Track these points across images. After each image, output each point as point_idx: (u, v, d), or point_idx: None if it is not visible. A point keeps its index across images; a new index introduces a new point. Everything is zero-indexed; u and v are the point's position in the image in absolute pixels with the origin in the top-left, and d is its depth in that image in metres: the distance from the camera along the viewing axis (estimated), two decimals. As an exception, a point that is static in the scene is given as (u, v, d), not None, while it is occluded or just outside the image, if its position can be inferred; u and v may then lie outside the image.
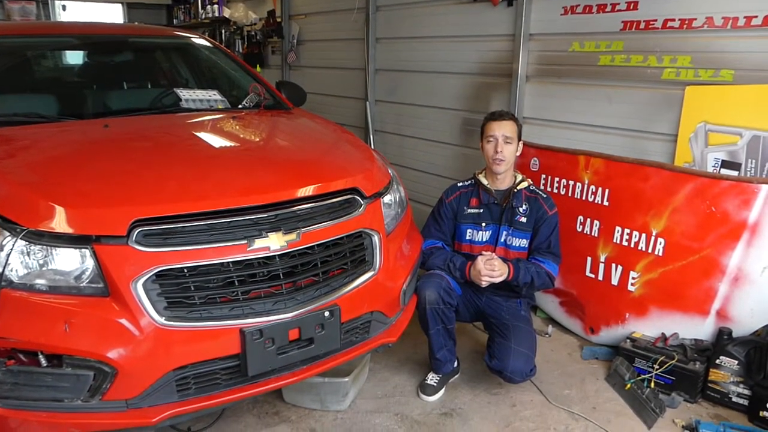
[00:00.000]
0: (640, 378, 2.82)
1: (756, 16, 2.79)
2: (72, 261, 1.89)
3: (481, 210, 2.91)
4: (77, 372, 1.85)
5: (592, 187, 3.25)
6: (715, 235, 2.77)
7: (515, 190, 2.87)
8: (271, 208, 2.13)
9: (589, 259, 3.27)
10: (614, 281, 3.15)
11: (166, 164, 2.37)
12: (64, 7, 8.84)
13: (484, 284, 2.73)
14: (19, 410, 1.87)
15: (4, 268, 1.84)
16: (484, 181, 2.92)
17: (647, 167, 3.02)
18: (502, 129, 2.81)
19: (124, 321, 1.86)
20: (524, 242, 2.87)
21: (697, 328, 2.87)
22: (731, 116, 2.90)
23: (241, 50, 7.79)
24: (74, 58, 3.84)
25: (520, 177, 2.93)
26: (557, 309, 3.51)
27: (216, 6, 8.30)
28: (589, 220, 3.27)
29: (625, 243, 3.10)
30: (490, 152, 2.83)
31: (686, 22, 3.05)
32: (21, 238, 1.86)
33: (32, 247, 1.87)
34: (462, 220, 2.93)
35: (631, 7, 3.28)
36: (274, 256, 2.07)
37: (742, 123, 2.87)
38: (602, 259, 3.21)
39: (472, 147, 4.32)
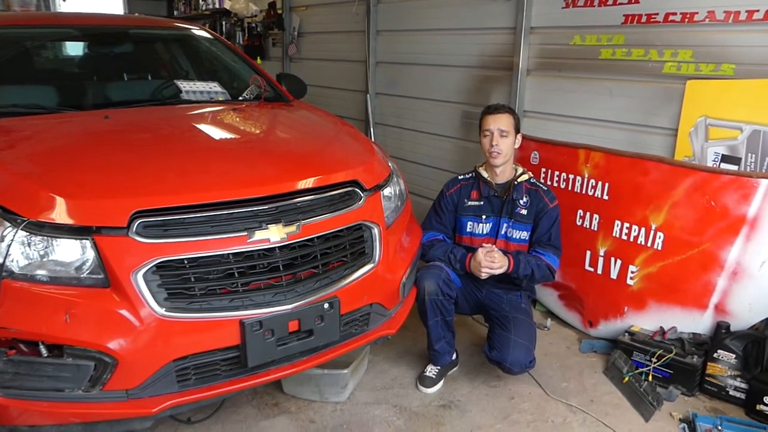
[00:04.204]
0: (638, 371, 2.83)
1: (758, 10, 2.79)
2: (73, 252, 1.89)
3: (482, 202, 2.91)
4: (78, 362, 1.86)
5: (592, 181, 3.25)
6: (714, 229, 2.78)
7: (516, 183, 2.88)
8: (272, 200, 2.14)
9: (588, 252, 3.28)
10: (613, 275, 3.16)
11: (167, 156, 2.37)
12: (64, -3, 8.81)
13: (484, 276, 2.73)
14: (20, 400, 1.88)
15: (5, 258, 1.85)
16: (485, 174, 2.92)
17: (647, 161, 3.03)
18: (498, 122, 2.82)
19: (124, 312, 1.87)
20: (525, 235, 2.88)
21: (696, 322, 2.88)
22: (732, 111, 2.90)
23: (241, 42, 7.76)
24: (74, 49, 3.83)
25: (520, 170, 2.93)
26: (556, 302, 3.52)
27: (216, -3, 8.28)
28: (588, 213, 3.28)
29: (624, 237, 3.10)
30: (486, 146, 2.84)
31: (688, 15, 3.05)
32: (22, 229, 1.86)
33: (33, 238, 1.87)
34: (462, 212, 2.94)
35: (633, 1, 3.26)
36: (274, 247, 2.08)
37: (742, 117, 2.87)
38: (601, 252, 3.22)
39: (472, 140, 4.32)
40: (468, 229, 2.94)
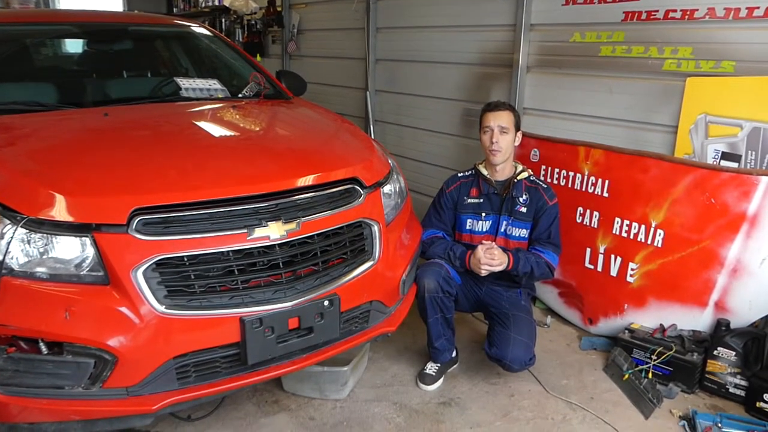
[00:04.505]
0: (637, 369, 2.83)
1: (758, 7, 2.78)
2: (72, 249, 1.89)
3: (481, 200, 2.91)
4: (78, 359, 1.86)
5: (592, 178, 3.25)
6: (714, 226, 2.77)
7: (515, 181, 2.87)
8: (272, 197, 2.14)
9: (588, 250, 3.28)
10: (613, 272, 3.16)
11: (166, 153, 2.37)
12: (63, -5, 8.79)
13: (483, 273, 2.73)
14: (20, 397, 1.88)
15: (5, 256, 1.85)
16: (484, 172, 2.92)
17: (647, 158, 3.02)
18: (498, 120, 2.81)
19: (124, 309, 1.87)
20: (524, 232, 2.88)
21: (696, 320, 2.88)
22: (732, 108, 2.90)
23: (241, 39, 7.75)
24: (74, 46, 3.82)
25: (520, 167, 2.93)
26: (556, 300, 3.52)
27: (216, -6, 8.26)
28: (588, 211, 3.27)
29: (624, 234, 3.10)
30: (486, 143, 2.84)
31: (688, 12, 3.04)
32: (21, 226, 1.86)
33: (33, 236, 1.87)
34: (462, 210, 2.94)
35: (633, -2, 3.27)
36: (274, 245, 2.08)
37: (742, 114, 2.86)
38: (601, 250, 3.21)
39: (472, 137, 4.31)
40: (468, 227, 2.93)
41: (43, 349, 1.86)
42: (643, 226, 3.02)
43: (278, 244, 2.08)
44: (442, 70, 4.68)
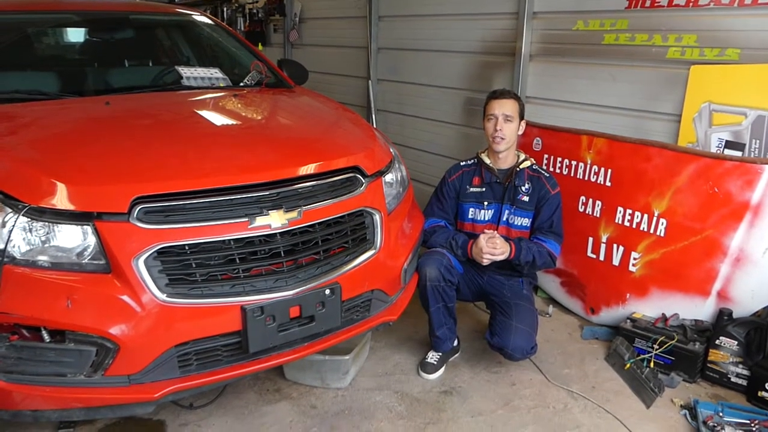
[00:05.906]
0: (639, 358, 2.83)
1: (763, -6, 2.76)
2: (74, 238, 1.90)
3: (484, 189, 2.90)
4: (80, 347, 1.87)
5: (595, 167, 3.23)
6: (717, 215, 2.76)
7: (518, 169, 2.86)
8: (273, 185, 2.14)
9: (590, 239, 3.27)
10: (615, 261, 3.15)
11: (168, 142, 2.37)
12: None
13: (485, 262, 2.73)
14: (23, 384, 1.89)
15: (7, 244, 1.85)
16: (487, 160, 2.91)
17: (650, 147, 3.01)
18: (503, 107, 2.80)
19: (125, 297, 1.88)
20: (526, 221, 2.87)
21: (698, 309, 2.87)
22: (736, 96, 2.88)
23: (242, 28, 7.73)
24: (75, 35, 3.81)
25: (522, 156, 2.92)
26: (558, 289, 3.52)
27: (218, -17, 8.23)
28: (591, 200, 3.26)
29: (626, 223, 3.09)
30: (490, 130, 2.82)
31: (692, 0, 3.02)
32: (23, 215, 1.86)
33: (34, 224, 1.88)
34: (464, 198, 2.93)
35: (637, -15, 3.24)
36: (276, 233, 2.08)
37: (747, 103, 2.84)
38: (604, 239, 3.21)
39: (474, 126, 4.30)
40: (470, 216, 2.93)
41: (46, 337, 1.87)
42: (645, 216, 3.01)
43: (279, 233, 2.09)
44: (444, 58, 4.66)
